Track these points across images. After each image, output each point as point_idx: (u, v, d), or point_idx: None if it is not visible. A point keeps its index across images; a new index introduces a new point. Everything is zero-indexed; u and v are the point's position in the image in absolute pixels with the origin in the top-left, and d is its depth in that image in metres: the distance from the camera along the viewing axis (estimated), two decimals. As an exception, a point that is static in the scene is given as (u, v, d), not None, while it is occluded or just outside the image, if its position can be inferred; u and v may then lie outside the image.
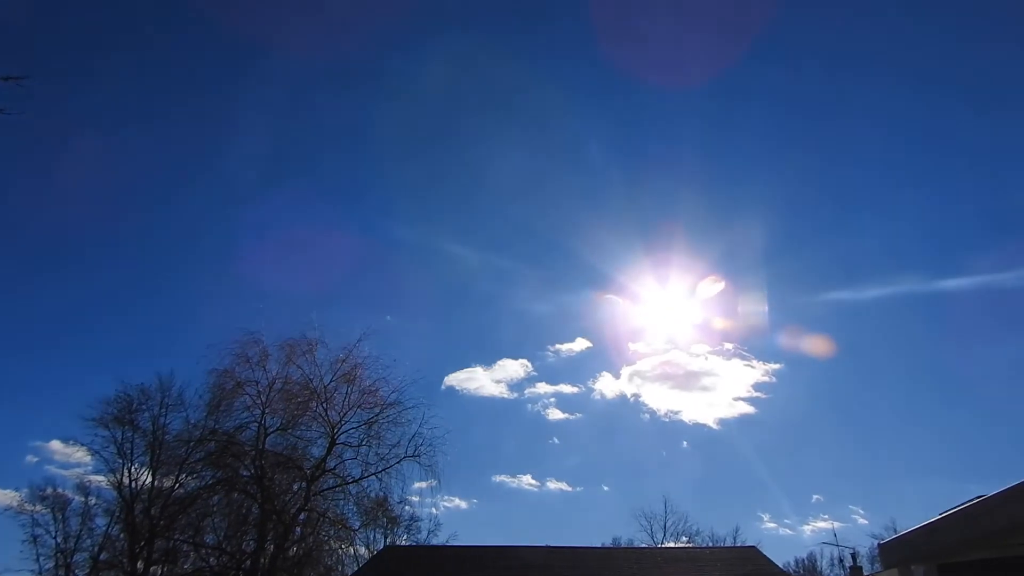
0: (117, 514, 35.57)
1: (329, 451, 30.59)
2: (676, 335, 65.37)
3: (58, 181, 63.40)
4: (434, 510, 45.34)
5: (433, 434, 30.54)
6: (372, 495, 31.18)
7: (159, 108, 67.51)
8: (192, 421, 32.59)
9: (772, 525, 63.62)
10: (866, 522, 73.71)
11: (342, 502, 31.56)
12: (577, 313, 70.83)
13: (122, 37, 67.45)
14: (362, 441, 30.84)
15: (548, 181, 73.01)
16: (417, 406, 30.98)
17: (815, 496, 69.64)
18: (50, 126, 62.53)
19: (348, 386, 31.27)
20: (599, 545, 41.44)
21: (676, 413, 76.83)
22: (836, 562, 51.91)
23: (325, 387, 31.05)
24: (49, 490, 39.73)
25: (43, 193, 63.46)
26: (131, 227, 68.65)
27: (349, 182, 75.72)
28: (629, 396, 69.67)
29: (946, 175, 68.98)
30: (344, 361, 31.37)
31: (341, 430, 30.81)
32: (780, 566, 28.58)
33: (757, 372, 65.84)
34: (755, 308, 57.70)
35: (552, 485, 66.49)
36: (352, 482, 30.78)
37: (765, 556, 27.72)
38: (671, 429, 74.20)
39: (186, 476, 32.59)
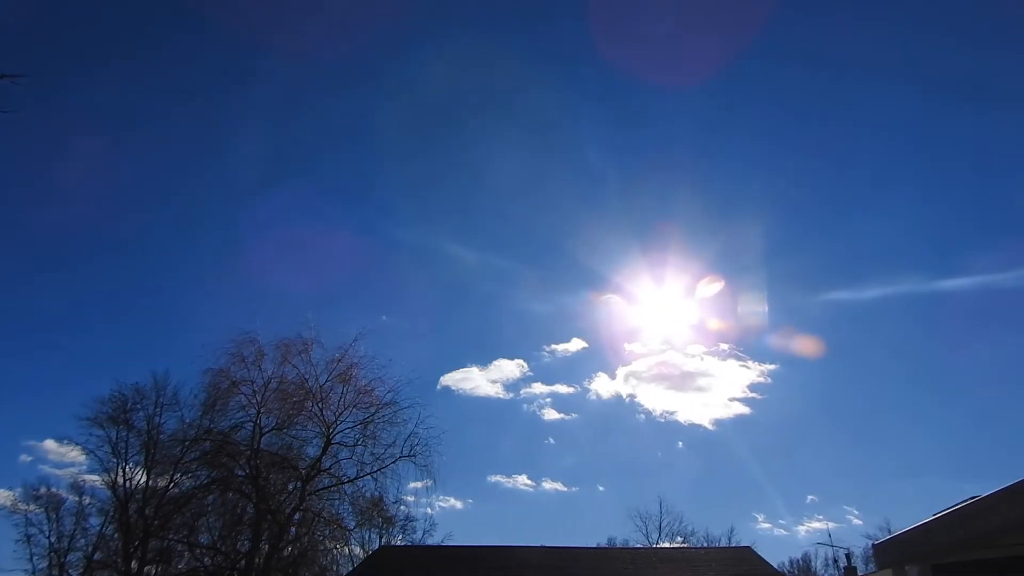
0: (111, 514, 35.48)
1: (324, 451, 30.56)
2: (672, 336, 65.49)
3: (54, 180, 63.23)
4: (429, 510, 45.23)
5: (429, 434, 30.55)
6: (367, 495, 31.18)
7: (156, 109, 67.37)
8: (187, 420, 32.53)
9: (767, 525, 63.75)
10: (860, 522, 74.04)
11: (337, 502, 31.60)
12: (573, 313, 71.03)
13: (122, 38, 67.30)
14: (357, 441, 30.85)
15: (545, 182, 73.16)
16: (413, 406, 30.99)
17: (810, 496, 69.85)
18: (47, 126, 62.22)
19: (344, 386, 31.27)
20: (594, 545, 41.46)
21: (672, 413, 77.06)
22: (831, 562, 51.86)
23: (321, 387, 31.05)
24: (43, 489, 39.67)
25: (39, 192, 63.37)
26: (127, 226, 68.50)
27: (346, 182, 75.72)
28: (625, 396, 69.73)
29: (945, 175, 69.17)
30: (340, 361, 31.36)
31: (336, 430, 30.80)
32: (775, 566, 28.64)
33: (752, 373, 65.95)
34: (751, 309, 57.82)
35: (548, 485, 66.52)
36: (347, 482, 30.78)
37: (760, 556, 27.78)
38: (666, 429, 74.36)
39: (181, 476, 32.54)
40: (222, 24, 61.02)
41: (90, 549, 37.11)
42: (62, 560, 37.84)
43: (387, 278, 69.46)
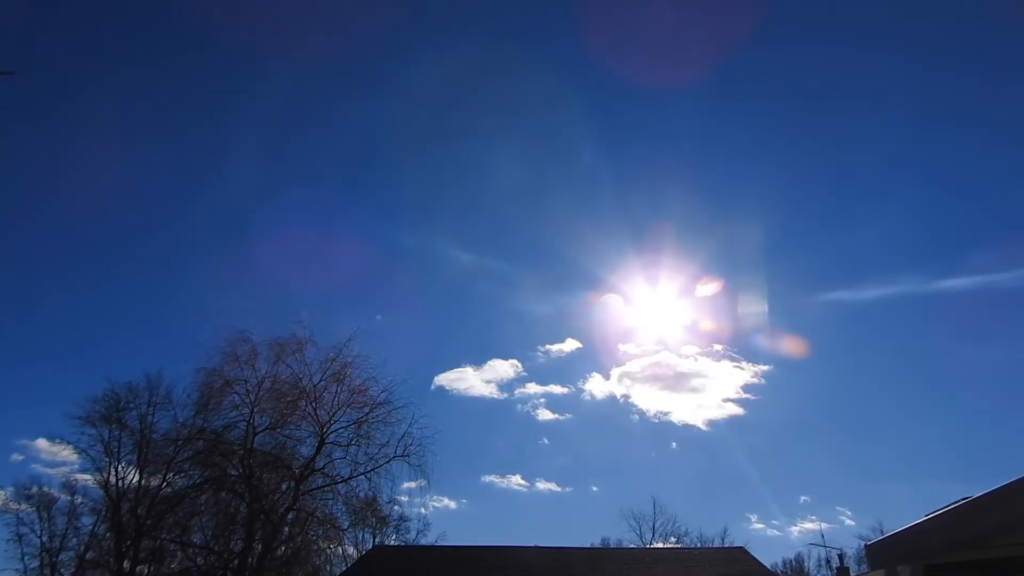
0: (103, 513, 35.36)
1: (318, 450, 30.53)
2: (666, 336, 65.57)
3: (49, 180, 63.11)
4: (423, 510, 45.37)
5: (423, 434, 30.58)
6: (361, 495, 31.20)
7: (155, 110, 67.22)
8: (180, 420, 32.49)
9: (760, 526, 63.78)
10: (853, 523, 73.94)
11: (331, 502, 31.53)
12: (568, 314, 70.92)
13: (124, 40, 67.06)
14: (351, 441, 30.83)
15: (540, 183, 73.18)
16: (407, 406, 31.02)
17: (803, 497, 69.84)
18: (45, 127, 62.15)
19: (338, 385, 31.27)
20: (588, 545, 41.41)
21: (665, 414, 77.10)
22: (823, 563, 52.09)
23: (315, 386, 31.04)
24: (35, 489, 39.56)
25: (34, 192, 63.05)
26: (123, 226, 68.21)
27: (341, 184, 75.50)
28: (619, 397, 69.74)
29: (945, 175, 69.24)
30: (334, 360, 31.36)
31: (330, 429, 30.78)
32: (768, 567, 28.70)
33: (746, 374, 66.03)
34: (745, 310, 57.94)
35: (541, 485, 66.48)
36: (341, 482, 30.76)
37: (753, 557, 27.83)
38: (660, 430, 74.34)
39: (173, 475, 32.43)
40: (223, 27, 60.83)
41: (82, 548, 37.02)
42: (54, 560, 37.71)
43: (381, 278, 69.50)
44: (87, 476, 35.67)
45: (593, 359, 76.26)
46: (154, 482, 33.23)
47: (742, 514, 68.80)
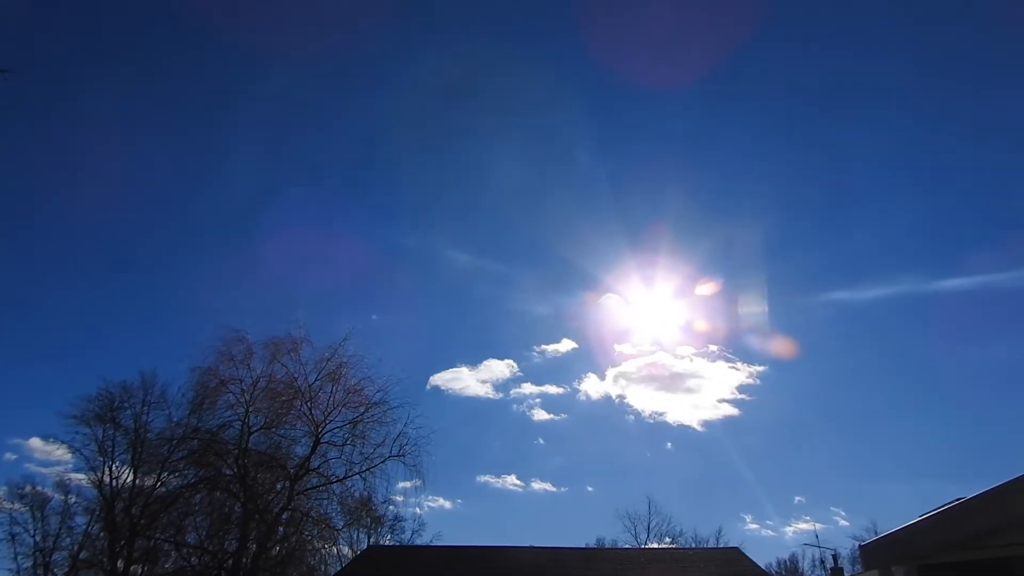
0: (97, 513, 35.25)
1: (313, 450, 30.48)
2: (662, 337, 65.40)
3: (45, 179, 62.81)
4: (418, 510, 45.23)
5: (418, 434, 30.54)
6: (356, 495, 31.14)
7: (154, 109, 66.68)
8: (175, 419, 32.39)
9: (755, 526, 63.80)
10: (847, 524, 73.97)
11: (326, 501, 31.52)
12: (563, 314, 70.80)
13: (123, 40, 66.82)
14: (346, 440, 30.78)
15: (537, 183, 73.00)
16: (402, 405, 30.98)
17: (797, 498, 69.91)
18: (42, 126, 61.85)
19: (333, 385, 31.22)
20: (583, 546, 41.49)
21: (661, 414, 77.01)
22: (818, 563, 52.14)
23: (310, 386, 30.98)
24: (28, 488, 39.46)
25: (29, 190, 62.74)
26: (119, 224, 67.81)
27: (338, 183, 75.30)
28: (614, 397, 69.71)
29: (944, 175, 69.17)
30: (329, 360, 31.31)
31: (325, 429, 30.72)
32: (762, 567, 28.73)
33: (741, 374, 66.09)
34: (740, 311, 57.89)
35: (537, 485, 66.43)
36: (336, 481, 30.72)
37: (748, 557, 27.86)
38: (655, 430, 74.33)
39: (168, 474, 32.38)
40: (223, 27, 60.55)
41: (76, 548, 36.93)
42: (47, 559, 37.61)
43: (377, 278, 69.27)
44: (81, 475, 35.59)
45: (589, 359, 76.29)
46: (148, 482, 33.16)
47: (737, 514, 68.98)
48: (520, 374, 69.93)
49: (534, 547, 28.15)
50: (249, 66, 69.11)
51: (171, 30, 65.57)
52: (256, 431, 30.66)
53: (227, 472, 30.64)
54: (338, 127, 74.27)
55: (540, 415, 68.87)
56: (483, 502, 66.33)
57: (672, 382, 67.95)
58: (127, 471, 34.09)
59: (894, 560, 11.95)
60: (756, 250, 64.28)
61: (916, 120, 69.39)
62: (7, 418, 56.85)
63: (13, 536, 37.81)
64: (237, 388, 30.44)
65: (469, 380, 65.60)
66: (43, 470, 43.68)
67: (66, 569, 36.72)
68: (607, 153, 73.04)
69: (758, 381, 66.92)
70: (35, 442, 47.80)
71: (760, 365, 65.27)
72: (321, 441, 30.57)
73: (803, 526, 65.82)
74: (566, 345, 68.24)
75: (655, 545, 46.68)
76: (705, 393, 68.35)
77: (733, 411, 66.70)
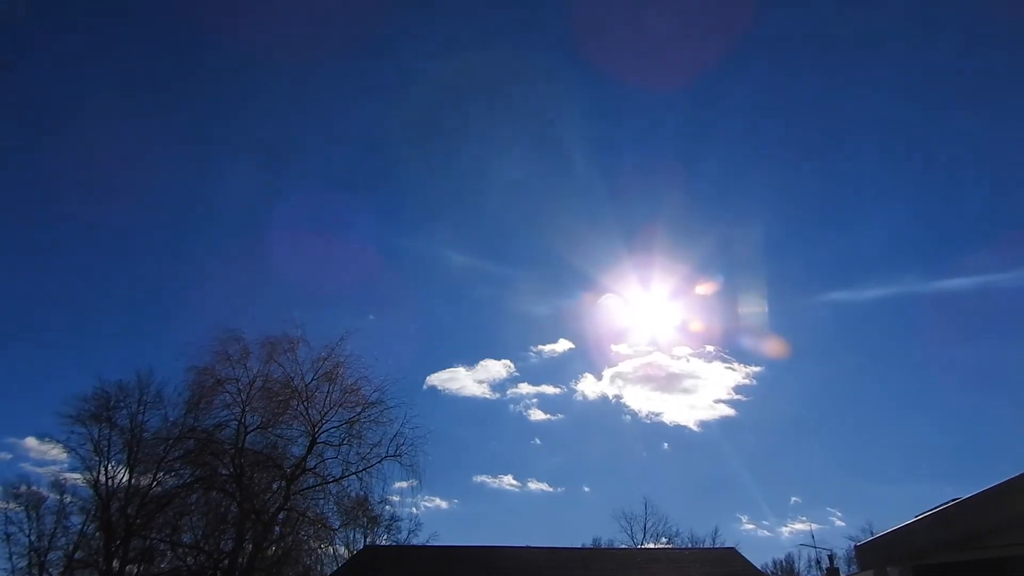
0: (93, 512, 35.13)
1: (310, 450, 30.44)
2: (658, 337, 65.65)
3: (40, 176, 62.64)
4: (415, 510, 45.12)
5: (415, 434, 30.54)
6: (352, 494, 31.09)
7: (153, 110, 66.54)
8: (171, 419, 32.30)
9: (751, 526, 64.04)
10: (843, 524, 74.11)
11: (322, 501, 31.44)
12: (560, 314, 71.00)
13: (120, 39, 66.71)
14: (343, 440, 30.76)
15: (533, 184, 73.11)
16: (399, 405, 30.97)
17: (793, 498, 70.24)
18: (41, 126, 61.77)
19: (330, 385, 31.19)
20: (579, 546, 41.51)
21: (657, 415, 77.25)
22: (814, 563, 52.23)
23: (306, 386, 30.95)
24: (23, 487, 39.29)
25: (24, 187, 62.54)
26: (114, 223, 67.78)
27: (335, 184, 75.21)
28: (611, 397, 70.00)
29: (944, 175, 69.40)
30: (326, 360, 31.28)
31: (322, 429, 30.70)
32: (759, 567, 28.79)
33: (738, 375, 66.32)
34: (737, 311, 58.14)
35: (533, 486, 66.58)
36: (332, 481, 30.67)
37: (744, 557, 27.93)
38: (652, 431, 74.64)
39: (164, 474, 32.27)
40: (222, 27, 60.54)
41: (71, 548, 36.77)
42: (42, 559, 37.47)
43: (374, 278, 69.22)
44: (76, 475, 35.46)
45: (585, 360, 76.36)
46: (144, 481, 33.06)
47: (733, 515, 69.21)
48: (517, 374, 70.10)
49: (531, 547, 28.18)
50: (248, 65, 69.12)
51: (172, 30, 65.54)
52: (252, 431, 30.63)
53: (223, 472, 30.58)
54: (336, 129, 74.36)
55: (537, 415, 69.04)
56: (479, 502, 66.48)
57: (669, 382, 68.22)
58: (123, 471, 34.03)
59: (889, 560, 11.98)
60: (753, 250, 64.51)
61: (916, 119, 69.64)
62: (2, 417, 56.68)
63: (8, 536, 37.72)
64: (233, 388, 30.43)
65: (466, 380, 65.78)
66: (39, 469, 43.81)
67: (61, 569, 36.58)
68: (604, 154, 73.25)
69: (754, 382, 67.17)
70: (31, 441, 47.81)
71: (756, 366, 65.54)
72: (318, 441, 30.56)
73: (799, 526, 66.02)
74: (563, 345, 68.44)
75: (651, 545, 46.78)
76: (702, 393, 68.62)
77: (729, 411, 66.98)
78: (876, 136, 70.43)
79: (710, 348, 65.34)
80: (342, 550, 36.41)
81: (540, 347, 72.12)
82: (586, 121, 68.47)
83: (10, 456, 52.53)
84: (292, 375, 30.95)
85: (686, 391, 67.65)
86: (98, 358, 64.45)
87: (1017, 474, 9.13)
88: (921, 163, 69.66)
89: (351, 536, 37.83)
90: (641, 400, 72.58)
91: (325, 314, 64.58)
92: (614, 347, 68.72)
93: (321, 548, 33.60)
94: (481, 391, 66.86)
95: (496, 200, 73.47)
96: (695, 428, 68.85)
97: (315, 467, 30.74)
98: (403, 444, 30.18)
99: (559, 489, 67.73)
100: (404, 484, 31.47)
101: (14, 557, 37.41)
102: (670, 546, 46.16)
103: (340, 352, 31.45)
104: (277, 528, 31.60)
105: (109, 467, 34.08)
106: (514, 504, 66.66)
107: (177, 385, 32.19)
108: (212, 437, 30.44)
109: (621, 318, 63.39)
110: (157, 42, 66.90)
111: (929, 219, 71.19)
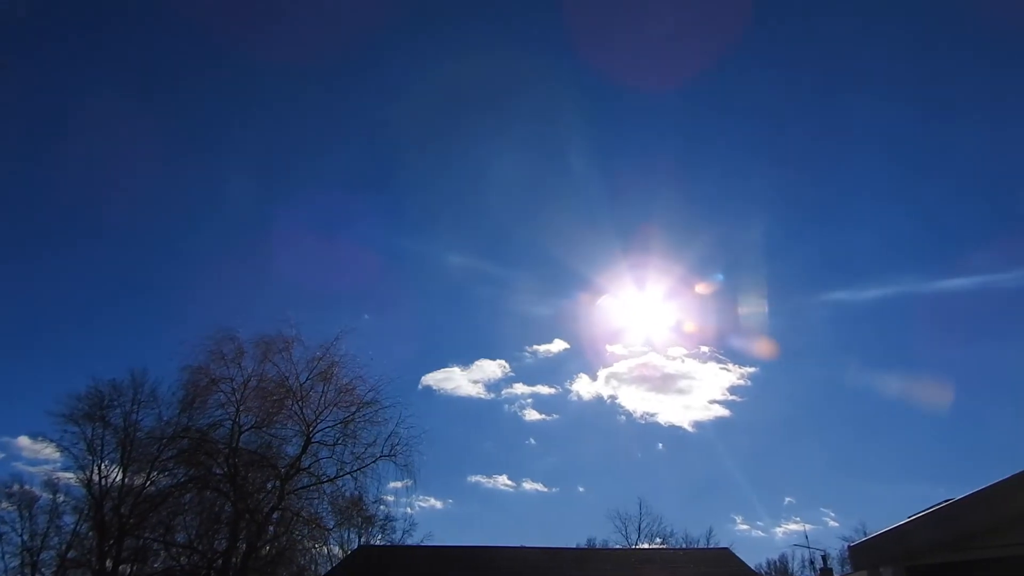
0: (86, 512, 35.03)
1: (304, 450, 30.42)
2: (653, 338, 65.47)
3: (37, 175, 62.30)
4: (409, 510, 45.09)
5: (409, 433, 30.57)
6: (347, 494, 31.12)
7: (151, 110, 66.15)
8: (165, 418, 32.29)
9: (745, 527, 63.98)
10: (837, 524, 74.22)
11: (316, 501, 31.44)
12: (555, 314, 70.73)
13: (116, 38, 66.37)
14: (338, 440, 30.75)
15: (529, 184, 72.87)
16: (394, 405, 31.00)
17: (787, 499, 70.09)
18: (39, 125, 61.46)
19: (324, 384, 31.19)
20: (574, 546, 41.52)
21: (652, 415, 77.23)
22: (807, 564, 52.32)
23: (301, 385, 30.94)
24: (16, 487, 39.16)
25: (19, 186, 62.26)
26: (110, 222, 67.40)
27: (331, 184, 74.97)
28: (606, 398, 69.77)
29: (945, 174, 69.35)
30: (321, 359, 31.29)
31: (317, 429, 30.69)
32: (753, 567, 28.86)
33: (732, 375, 66.22)
34: (731, 312, 58.17)
35: (528, 486, 66.43)
36: (327, 481, 30.68)
37: (738, 557, 27.99)
38: (647, 431, 74.35)
39: (158, 474, 32.18)
40: (222, 29, 60.28)
41: (64, 547, 36.69)
42: (35, 559, 37.37)
43: (369, 278, 68.91)
44: (69, 474, 35.30)
45: (580, 360, 76.13)
46: (138, 480, 32.94)
47: (727, 515, 69.36)
48: (512, 374, 69.95)
49: (525, 547, 28.19)
50: (248, 67, 68.87)
51: (173, 30, 65.23)
52: (247, 430, 30.61)
53: (217, 471, 30.54)
54: (335, 130, 74.14)
55: (532, 415, 68.91)
56: (474, 502, 66.36)
57: (663, 383, 68.10)
58: (116, 470, 33.92)
59: (883, 561, 12.00)
60: (749, 251, 64.21)
61: (916, 118, 69.50)
62: (-5, 416, 56.43)
63: (1, 535, 37.66)
64: (228, 387, 30.40)
65: (461, 380, 65.59)
66: (31, 469, 43.57)
67: (54, 568, 36.48)
68: (602, 154, 72.97)
69: (749, 382, 67.08)
70: (23, 440, 47.49)
71: (751, 366, 65.49)
72: (312, 440, 30.53)
73: (793, 527, 65.98)
74: (558, 345, 68.28)
75: (646, 546, 46.76)
76: (696, 394, 68.53)
77: (724, 412, 66.86)
78: (875, 136, 70.20)
79: (705, 349, 65.24)
80: (336, 550, 36.29)
81: (535, 347, 71.98)
82: (585, 122, 68.32)
83: (3, 455, 51.97)
84: (287, 374, 30.98)
85: (681, 392, 67.59)
86: (92, 357, 64.15)
87: (1012, 474, 9.14)
88: (921, 163, 69.60)
89: (345, 536, 37.73)
90: (636, 400, 72.55)
91: (321, 314, 64.32)
92: (609, 347, 68.65)
93: (315, 548, 33.54)
94: (476, 391, 66.71)
95: (492, 201, 73.31)
96: (690, 428, 68.84)
97: (309, 467, 30.76)
98: (398, 444, 30.24)
99: (554, 489, 67.72)
100: (399, 484, 31.48)
101: (7, 556, 37.42)
102: (664, 546, 46.20)
103: (335, 352, 31.51)
104: (271, 528, 31.55)
105: (102, 466, 34.01)
106: (509, 504, 66.62)
107: (171, 384, 32.14)
108: (206, 436, 30.39)
109: (616, 318, 63.27)
110: (157, 42, 66.46)
111: (929, 219, 71.21)
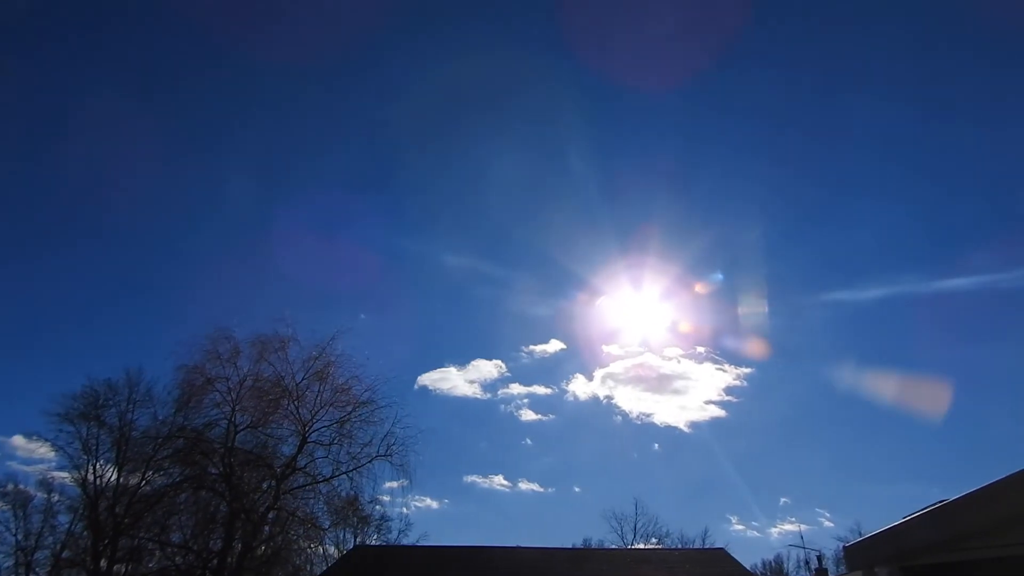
0: (81, 511, 34.89)
1: (300, 449, 30.37)
2: (649, 338, 65.68)
3: (34, 175, 62.16)
4: (405, 510, 45.11)
5: (405, 433, 30.57)
6: (343, 494, 31.07)
7: (150, 110, 66.08)
8: (160, 418, 32.20)
9: (740, 527, 64.15)
10: (832, 525, 74.49)
11: (312, 501, 31.38)
12: (552, 315, 70.78)
13: (115, 38, 66.29)
14: (333, 440, 30.74)
15: (526, 184, 72.99)
16: (390, 405, 31.00)
17: (783, 499, 70.34)
18: (37, 124, 61.38)
19: (320, 384, 31.15)
20: (570, 546, 41.57)
21: (648, 415, 77.24)
22: (802, 564, 52.46)
23: (297, 385, 30.90)
24: (10, 486, 38.90)
25: (16, 186, 62.08)
26: (106, 221, 67.37)
27: (329, 184, 74.95)
28: (602, 398, 69.91)
29: (945, 173, 69.50)
30: (317, 359, 31.26)
31: (312, 428, 30.64)
32: (748, 568, 28.89)
33: (728, 376, 66.38)
34: (728, 312, 58.28)
35: (524, 486, 66.53)
36: (323, 481, 30.63)
37: (733, 558, 28.02)
38: (643, 431, 74.56)
39: (153, 473, 32.14)
40: (222, 29, 60.26)
41: (58, 547, 36.53)
42: (29, 558, 37.17)
43: (365, 278, 69.01)
44: (64, 474, 35.19)
45: (577, 360, 76.23)
46: (133, 480, 32.87)
47: (723, 515, 69.42)
48: (508, 374, 70.09)
49: (521, 547, 28.19)
50: (248, 67, 68.85)
51: (173, 30, 65.17)
52: (242, 430, 30.56)
53: (213, 471, 30.49)
54: (335, 130, 74.23)
55: (528, 415, 68.98)
56: (470, 502, 66.42)
57: (659, 383, 68.18)
58: (111, 469, 33.80)
59: (877, 561, 12.03)
60: (746, 251, 64.32)
61: (916, 117, 69.70)
62: (-10, 416, 56.21)
63: (-6, 534, 37.39)
64: (223, 386, 30.35)
65: (457, 380, 65.64)
66: (26, 468, 43.40)
67: (48, 568, 36.33)
68: (600, 154, 73.12)
69: (745, 383, 67.33)
70: (18, 440, 47.22)
71: (747, 367, 65.61)
72: (308, 440, 30.49)
73: (788, 527, 66.11)
74: (554, 346, 68.36)
75: (642, 546, 46.83)
76: (692, 394, 68.79)
77: (720, 412, 67.05)
78: (874, 135, 70.43)
79: (701, 349, 65.41)
80: (332, 550, 36.30)
81: (531, 347, 72.10)
82: (584, 122, 68.36)
83: (-3, 454, 51.94)
84: (283, 374, 30.94)
85: (677, 392, 67.75)
86: (89, 357, 64.08)
87: (1007, 475, 9.17)
88: (921, 162, 69.76)
89: (341, 536, 37.73)
90: (632, 401, 72.77)
91: (319, 314, 64.47)
92: (605, 348, 68.84)
93: (311, 548, 33.55)
94: (472, 391, 66.79)
95: (490, 201, 73.46)
96: (685, 429, 68.92)
97: (305, 466, 30.71)
98: (394, 444, 30.23)
99: (550, 489, 67.81)
100: (394, 484, 31.54)
101: (1, 556, 37.16)
102: (660, 546, 46.25)
103: (331, 351, 31.48)
104: (267, 528, 31.51)
105: (97, 466, 33.87)
106: (505, 504, 66.68)
107: (167, 384, 32.16)
108: (202, 436, 30.33)
109: (613, 319, 63.47)
110: (157, 42, 66.46)
111: (929, 219, 71.37)
